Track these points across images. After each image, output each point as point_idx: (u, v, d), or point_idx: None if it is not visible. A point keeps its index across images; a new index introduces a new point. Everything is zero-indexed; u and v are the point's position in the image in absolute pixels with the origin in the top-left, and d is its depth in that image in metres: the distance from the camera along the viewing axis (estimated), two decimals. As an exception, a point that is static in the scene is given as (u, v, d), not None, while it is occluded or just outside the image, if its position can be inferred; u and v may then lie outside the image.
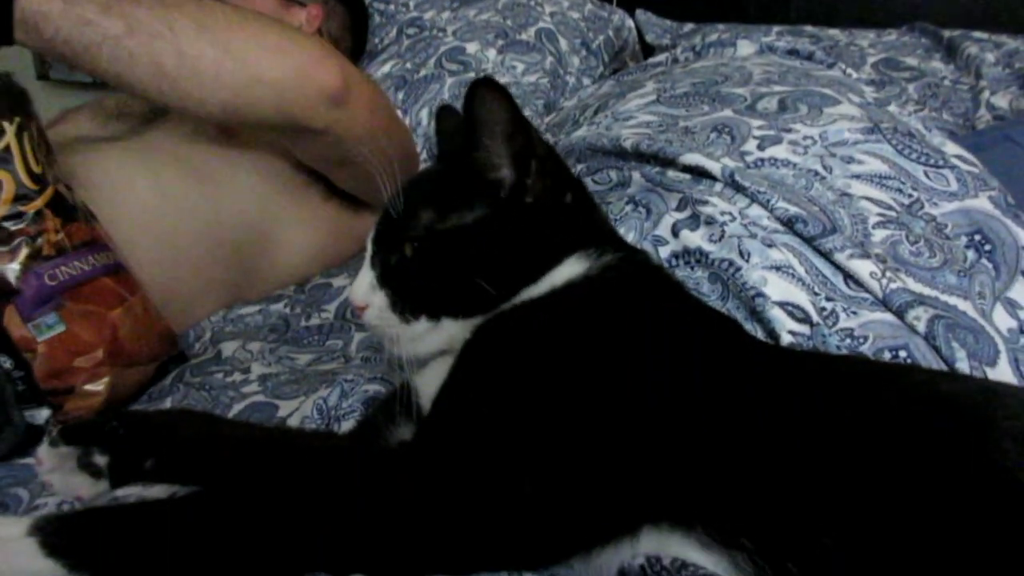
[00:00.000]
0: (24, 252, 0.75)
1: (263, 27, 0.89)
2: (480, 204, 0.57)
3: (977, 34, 1.41)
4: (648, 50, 1.60)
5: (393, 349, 0.58)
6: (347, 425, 0.65)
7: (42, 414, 0.78)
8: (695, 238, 0.67)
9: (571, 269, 0.56)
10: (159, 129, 1.11)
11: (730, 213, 0.67)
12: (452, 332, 0.56)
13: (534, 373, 0.49)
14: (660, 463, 0.44)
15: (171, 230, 0.98)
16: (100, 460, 0.50)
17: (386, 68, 1.48)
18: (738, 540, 0.41)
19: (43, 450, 0.51)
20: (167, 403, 0.81)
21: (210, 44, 0.84)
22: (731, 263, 0.64)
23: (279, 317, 1.02)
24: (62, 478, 0.51)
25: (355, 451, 0.56)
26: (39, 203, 0.76)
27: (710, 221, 0.67)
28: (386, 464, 0.48)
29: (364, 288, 0.58)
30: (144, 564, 0.42)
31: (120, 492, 0.53)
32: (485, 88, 0.54)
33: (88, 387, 0.79)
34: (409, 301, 0.56)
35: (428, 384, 0.56)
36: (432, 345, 0.57)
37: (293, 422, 0.69)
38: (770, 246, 0.64)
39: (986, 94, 1.25)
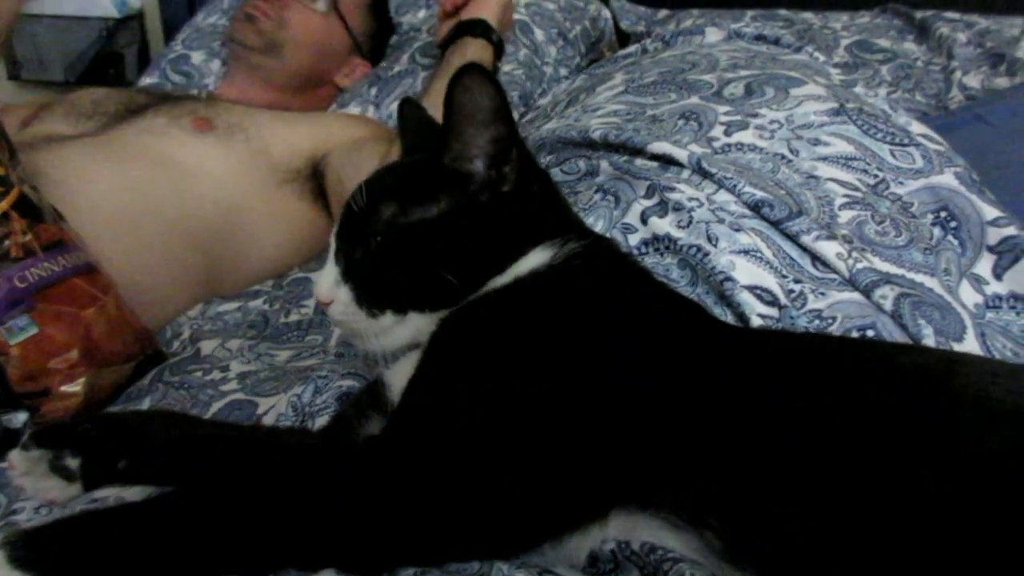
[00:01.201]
0: (-8, 255, 0.75)
1: None
2: (447, 197, 0.56)
3: (949, 14, 1.42)
4: (624, 39, 1.60)
5: (360, 344, 0.58)
6: (321, 421, 0.65)
7: (19, 418, 0.78)
8: (663, 225, 0.67)
9: (536, 259, 0.56)
10: (130, 125, 1.11)
11: (697, 199, 0.67)
12: (419, 325, 0.56)
13: (499, 362, 0.50)
14: (625, 446, 0.45)
15: (138, 221, 0.98)
16: (72, 463, 0.49)
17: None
18: (704, 519, 0.42)
19: (14, 454, 0.50)
20: (146, 403, 0.80)
21: None
22: (699, 248, 0.64)
23: (258, 314, 1.02)
24: (34, 482, 0.50)
25: (326, 448, 0.56)
26: (4, 205, 0.76)
27: (678, 207, 0.67)
28: (355, 459, 0.48)
29: (329, 283, 0.58)
30: (116, 569, 0.42)
31: (98, 494, 0.53)
32: (473, 74, 0.53)
33: (64, 388, 0.79)
34: (373, 296, 0.56)
35: (398, 378, 0.56)
36: (399, 339, 0.57)
37: (269, 420, 0.69)
38: (738, 230, 0.64)
39: (958, 74, 1.26)
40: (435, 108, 1.06)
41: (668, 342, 0.50)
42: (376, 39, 1.49)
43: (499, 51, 1.24)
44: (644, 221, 0.68)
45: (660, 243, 0.66)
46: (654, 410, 0.45)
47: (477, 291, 0.55)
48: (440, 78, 1.18)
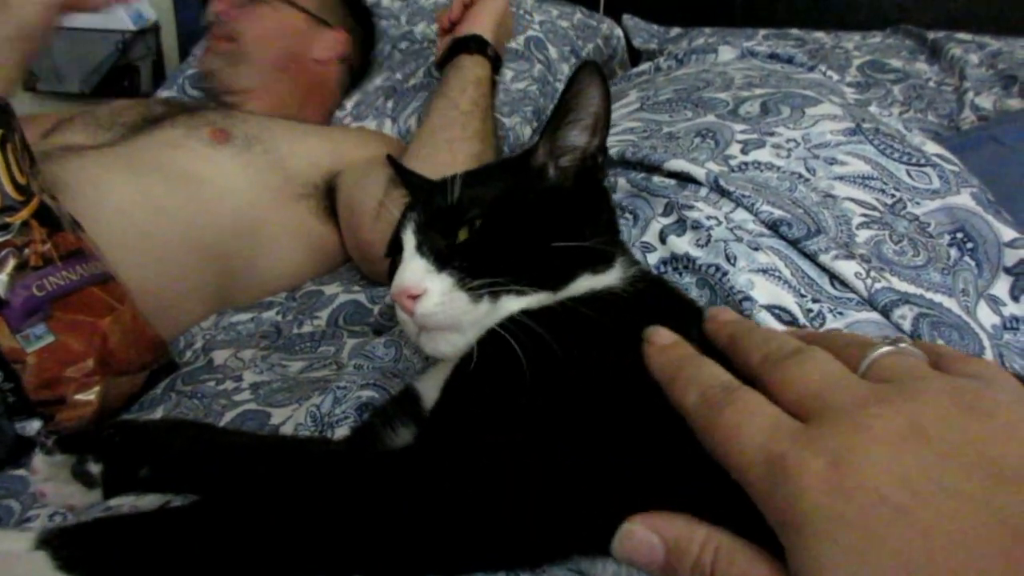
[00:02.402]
0: (11, 263, 0.75)
1: None
2: (547, 178, 0.60)
3: (961, 35, 1.42)
4: (636, 57, 1.61)
5: (436, 343, 0.56)
6: (340, 432, 0.65)
7: (33, 426, 0.78)
8: (682, 244, 0.67)
9: (612, 276, 0.57)
10: (148, 136, 1.12)
11: (716, 218, 0.67)
12: (495, 318, 0.54)
13: (572, 369, 0.48)
14: (675, 474, 0.43)
15: (154, 232, 0.98)
16: (94, 469, 0.50)
17: (377, 81, 1.49)
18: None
19: (38, 459, 0.50)
20: (158, 412, 0.81)
21: None
22: (718, 268, 0.64)
23: (271, 324, 1.03)
24: (56, 487, 0.50)
25: (354, 454, 0.55)
26: (24, 214, 0.76)
27: (696, 226, 0.67)
28: (389, 464, 0.47)
29: (419, 273, 0.55)
30: (157, 571, 0.41)
31: (112, 502, 0.53)
32: (591, 70, 0.58)
33: (79, 397, 0.79)
34: (479, 275, 0.54)
35: (430, 387, 0.56)
36: (472, 337, 0.54)
37: (286, 430, 0.69)
38: (756, 249, 0.64)
39: (970, 95, 1.26)
40: (419, 156, 1.07)
41: None
42: (346, 5, 1.49)
43: (496, 65, 1.24)
44: (663, 240, 0.68)
45: (679, 262, 0.66)
46: None
47: (568, 284, 0.55)
48: (436, 105, 1.17)
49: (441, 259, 0.55)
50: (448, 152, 1.07)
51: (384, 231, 1.05)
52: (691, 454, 0.42)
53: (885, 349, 0.39)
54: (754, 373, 0.41)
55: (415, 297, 0.54)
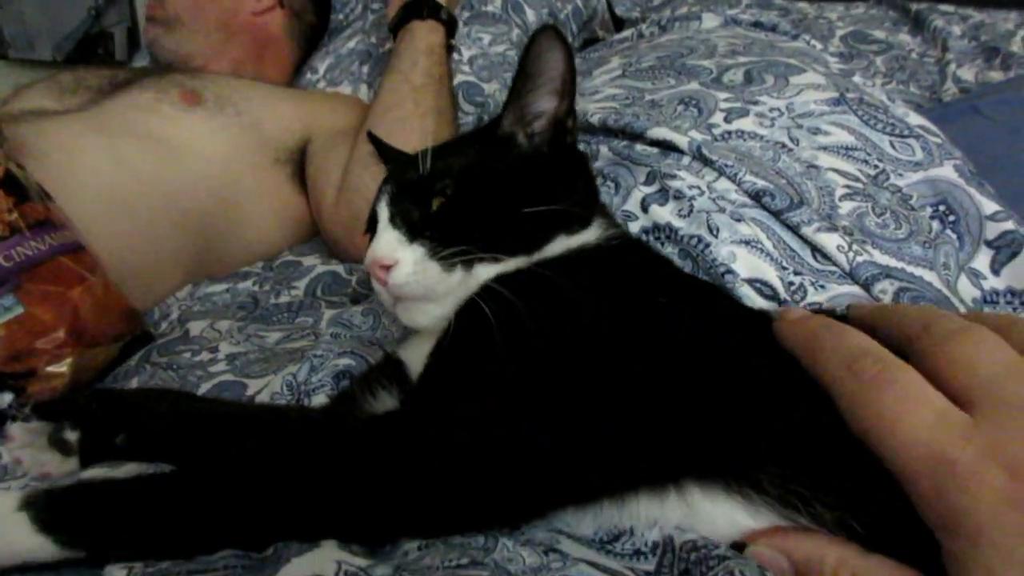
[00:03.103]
0: (-23, 234, 0.73)
1: None
2: (511, 153, 0.60)
3: (943, 7, 1.41)
4: (618, 23, 1.59)
5: (411, 314, 0.56)
6: (317, 400, 0.64)
7: (4, 398, 0.77)
8: (664, 213, 0.66)
9: (588, 235, 0.58)
10: (116, 101, 1.09)
11: (698, 187, 0.66)
12: (472, 286, 0.54)
13: (553, 325, 0.48)
14: (667, 425, 0.43)
15: (127, 200, 0.96)
16: (71, 436, 0.50)
17: (351, 44, 1.46)
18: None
19: (15, 427, 0.50)
20: (133, 383, 0.79)
21: None
22: (700, 239, 0.64)
23: (247, 295, 1.01)
24: (32, 454, 0.50)
25: (334, 420, 0.55)
26: (-11, 183, 0.74)
27: (679, 196, 0.66)
28: (370, 431, 0.47)
29: (391, 244, 0.55)
30: (137, 536, 0.41)
31: (89, 473, 0.52)
32: (549, 34, 0.58)
33: (51, 369, 0.78)
34: (451, 243, 0.54)
35: (415, 355, 0.56)
36: (449, 306, 0.54)
37: (262, 399, 0.68)
38: (739, 220, 0.64)
39: (952, 67, 1.26)
40: (380, 120, 1.05)
41: (717, 323, 0.50)
42: None
43: (451, 29, 1.20)
44: (645, 209, 0.67)
45: (661, 232, 0.66)
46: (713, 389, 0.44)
47: (543, 247, 0.55)
48: (387, 80, 1.13)
49: (414, 229, 0.55)
50: (401, 132, 1.04)
51: (344, 217, 1.04)
52: (657, 411, 0.42)
53: None
54: (911, 348, 0.38)
55: (388, 267, 0.54)
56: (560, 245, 0.56)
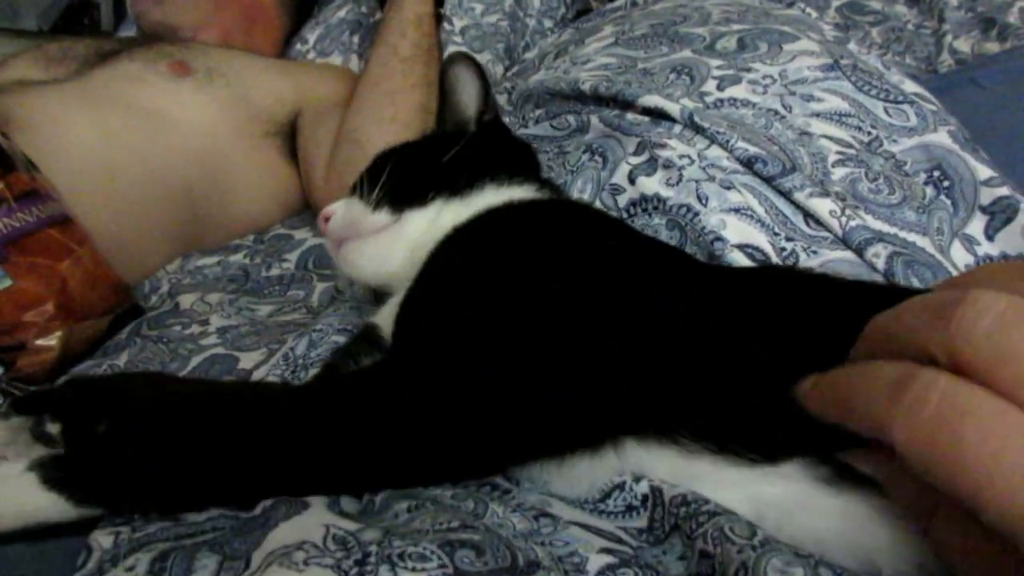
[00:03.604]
0: (-38, 204, 0.73)
1: None
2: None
3: (941, -24, 1.40)
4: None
5: (355, 252, 0.60)
6: (313, 373, 0.64)
7: (-7, 372, 0.77)
8: (652, 183, 0.65)
9: (522, 191, 0.61)
10: (104, 71, 1.07)
11: (688, 156, 0.66)
12: (411, 235, 0.58)
13: (499, 273, 0.49)
14: (628, 365, 0.42)
15: (115, 171, 0.95)
16: (53, 429, 0.48)
17: (341, 13, 1.44)
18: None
19: None
20: (123, 357, 0.79)
21: None
22: (689, 208, 0.63)
23: (238, 268, 1.01)
24: (17, 451, 0.48)
25: (318, 385, 0.55)
26: (-27, 153, 0.73)
27: (668, 165, 0.65)
28: (350, 382, 0.47)
29: (334, 204, 0.64)
30: (147, 489, 0.41)
31: None
32: (458, 61, 0.71)
33: (40, 342, 0.78)
34: (376, 192, 0.60)
35: (386, 319, 0.56)
36: (394, 256, 0.58)
37: (260, 373, 0.68)
38: (728, 188, 0.63)
39: (948, 38, 1.24)
40: (361, 112, 1.05)
41: (672, 269, 0.50)
42: None
43: None
44: (632, 181, 0.66)
45: (648, 203, 0.65)
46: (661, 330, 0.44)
47: (466, 192, 0.59)
48: (375, 52, 1.12)
49: (354, 192, 0.63)
50: (391, 105, 1.04)
51: (334, 192, 1.04)
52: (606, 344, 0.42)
53: None
54: (942, 356, 0.29)
55: (327, 219, 0.63)
56: (491, 196, 0.59)
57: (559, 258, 0.49)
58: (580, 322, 0.44)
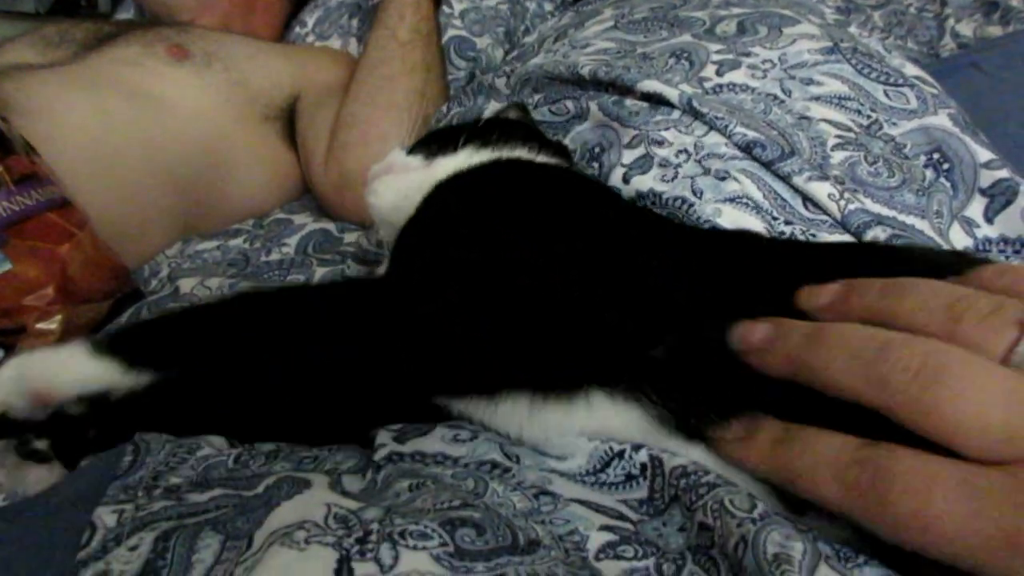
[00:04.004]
0: (-39, 187, 0.73)
1: None
2: None
3: (943, -41, 1.39)
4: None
5: (379, 189, 0.65)
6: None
7: (-6, 355, 0.77)
8: (646, 180, 0.65)
9: (498, 152, 0.64)
10: (102, 54, 1.07)
11: (686, 151, 0.65)
12: (438, 178, 0.60)
13: (478, 220, 0.52)
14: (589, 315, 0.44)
15: (115, 155, 0.95)
16: (41, 444, 0.47)
17: (340, -3, 1.44)
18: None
19: None
20: (123, 341, 0.79)
21: None
22: (684, 200, 0.63)
23: (238, 252, 1.01)
24: (9, 475, 0.47)
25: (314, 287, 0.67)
26: (-29, 136, 0.73)
27: (664, 164, 0.65)
28: (347, 288, 0.53)
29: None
30: (194, 351, 0.44)
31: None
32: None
33: (40, 326, 0.78)
34: (414, 139, 0.67)
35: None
36: (417, 192, 0.59)
37: None
38: (724, 179, 0.63)
39: (951, 22, 1.24)
40: (359, 98, 1.05)
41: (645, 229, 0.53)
42: None
43: None
44: (627, 181, 0.66)
45: (644, 199, 0.65)
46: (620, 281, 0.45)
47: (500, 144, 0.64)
48: (373, 36, 1.12)
49: None
50: (389, 90, 1.03)
51: (333, 180, 1.04)
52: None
53: None
54: (879, 409, 0.32)
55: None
56: (513, 152, 0.63)
57: (545, 211, 0.52)
58: (559, 272, 0.45)
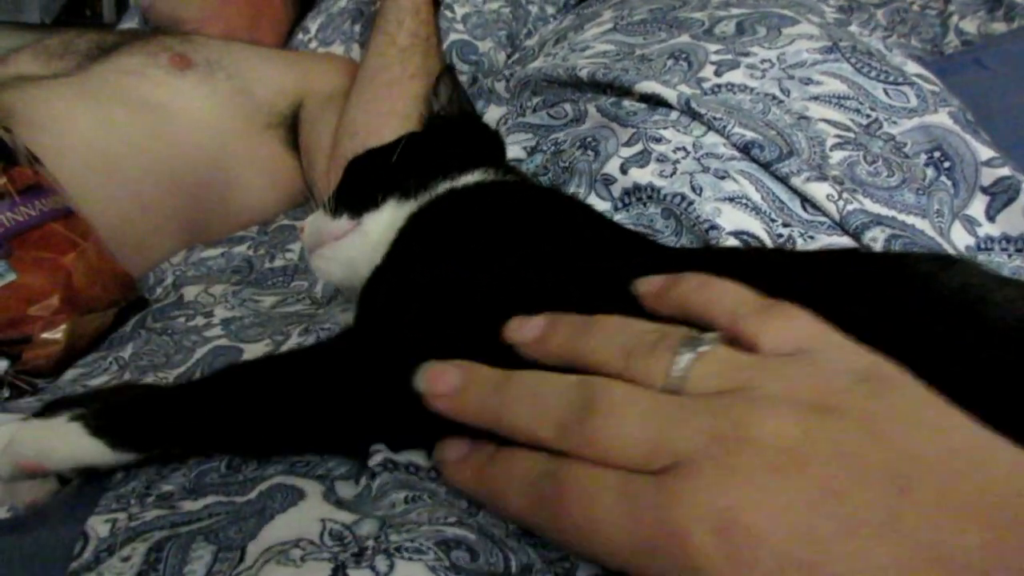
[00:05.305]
0: (-35, 199, 0.73)
1: None
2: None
3: (946, -44, 1.38)
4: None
5: (321, 258, 0.63)
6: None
7: (0, 365, 0.77)
8: (644, 174, 0.65)
9: (473, 177, 0.62)
10: (105, 65, 1.08)
11: (684, 148, 0.65)
12: (371, 236, 0.60)
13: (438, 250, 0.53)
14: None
15: (118, 164, 0.96)
16: None
17: (342, 3, 1.44)
18: None
19: None
20: (128, 349, 0.79)
21: None
22: (683, 197, 0.63)
23: (242, 259, 1.01)
24: (5, 488, 0.47)
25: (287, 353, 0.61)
26: (-25, 147, 0.74)
27: (662, 159, 0.65)
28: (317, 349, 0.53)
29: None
30: (181, 435, 0.45)
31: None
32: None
33: (45, 335, 0.78)
34: (335, 201, 0.63)
35: None
36: (357, 255, 0.60)
37: None
38: (723, 178, 0.63)
39: (955, 19, 1.23)
40: (359, 105, 1.05)
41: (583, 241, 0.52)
42: None
43: None
44: (624, 172, 0.66)
45: (642, 192, 0.65)
46: None
47: (419, 192, 0.61)
48: (373, 42, 1.11)
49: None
50: (388, 98, 1.03)
51: (334, 185, 1.04)
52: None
53: (687, 358, 0.33)
54: (556, 449, 0.34)
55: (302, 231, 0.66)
56: (441, 189, 0.61)
57: (480, 239, 0.52)
58: (507, 299, 0.45)
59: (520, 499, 0.35)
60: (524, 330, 0.40)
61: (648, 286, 0.40)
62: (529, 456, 0.35)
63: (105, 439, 0.43)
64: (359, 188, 0.63)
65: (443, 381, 0.39)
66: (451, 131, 0.71)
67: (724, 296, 0.37)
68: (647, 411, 0.32)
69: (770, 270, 0.47)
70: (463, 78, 1.17)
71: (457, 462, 0.40)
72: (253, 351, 0.72)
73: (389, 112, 1.02)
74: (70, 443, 0.43)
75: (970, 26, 1.21)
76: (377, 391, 0.43)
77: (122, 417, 0.44)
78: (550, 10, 1.32)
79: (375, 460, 0.43)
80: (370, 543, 0.34)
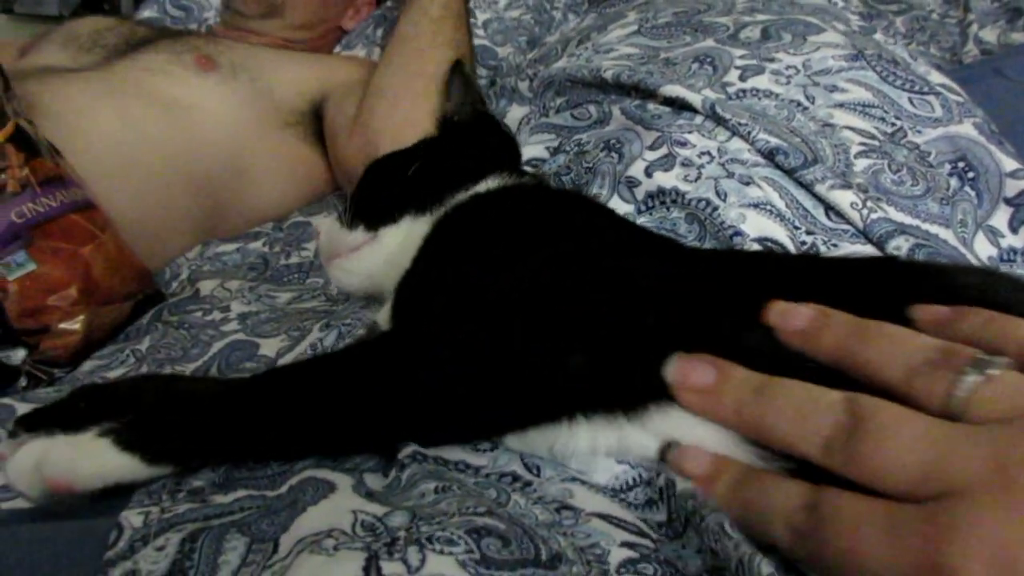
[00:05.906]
0: (-12, 189, 0.74)
1: None
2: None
3: (966, -35, 1.38)
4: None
5: (338, 268, 0.64)
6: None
7: (18, 354, 0.78)
8: (670, 178, 0.65)
9: (483, 185, 0.63)
10: (131, 61, 1.09)
11: (709, 153, 0.65)
12: (388, 248, 0.61)
13: (470, 256, 0.53)
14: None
15: (137, 159, 0.96)
16: None
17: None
18: None
19: (5, 444, 0.47)
20: (145, 342, 0.80)
21: None
22: (708, 202, 0.63)
23: (258, 255, 1.01)
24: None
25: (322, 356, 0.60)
26: (-1, 137, 0.74)
27: (687, 164, 0.65)
28: (356, 351, 0.51)
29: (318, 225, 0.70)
30: (211, 445, 0.44)
31: None
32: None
33: (63, 326, 0.79)
34: (354, 213, 0.63)
35: (384, 317, 0.58)
36: (374, 264, 0.61)
37: (287, 360, 0.68)
38: (747, 184, 0.63)
39: (974, 28, 1.23)
40: (391, 65, 1.05)
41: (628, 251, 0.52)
42: None
43: None
44: (648, 175, 0.66)
45: (667, 196, 0.65)
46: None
47: (434, 205, 0.61)
48: (406, 12, 1.12)
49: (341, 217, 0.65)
50: (418, 60, 1.04)
51: (358, 145, 1.04)
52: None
53: (972, 379, 0.32)
54: (819, 464, 0.34)
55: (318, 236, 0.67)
56: (459, 198, 0.61)
57: (509, 243, 0.52)
58: (533, 303, 0.45)
59: (784, 532, 0.34)
60: (790, 317, 0.39)
61: (931, 315, 0.38)
62: (791, 486, 0.34)
63: (137, 454, 0.42)
64: (375, 201, 0.64)
65: (697, 376, 0.38)
66: (465, 137, 0.72)
67: (1018, 330, 0.35)
68: (921, 434, 0.31)
69: (808, 276, 0.47)
70: (482, 82, 1.17)
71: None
72: (269, 346, 0.72)
73: (418, 73, 1.02)
74: (100, 460, 0.42)
75: (990, 35, 1.21)
76: (426, 393, 0.43)
77: (154, 430, 0.44)
78: (572, 18, 1.33)
79: (404, 452, 0.43)
80: (401, 534, 0.34)
